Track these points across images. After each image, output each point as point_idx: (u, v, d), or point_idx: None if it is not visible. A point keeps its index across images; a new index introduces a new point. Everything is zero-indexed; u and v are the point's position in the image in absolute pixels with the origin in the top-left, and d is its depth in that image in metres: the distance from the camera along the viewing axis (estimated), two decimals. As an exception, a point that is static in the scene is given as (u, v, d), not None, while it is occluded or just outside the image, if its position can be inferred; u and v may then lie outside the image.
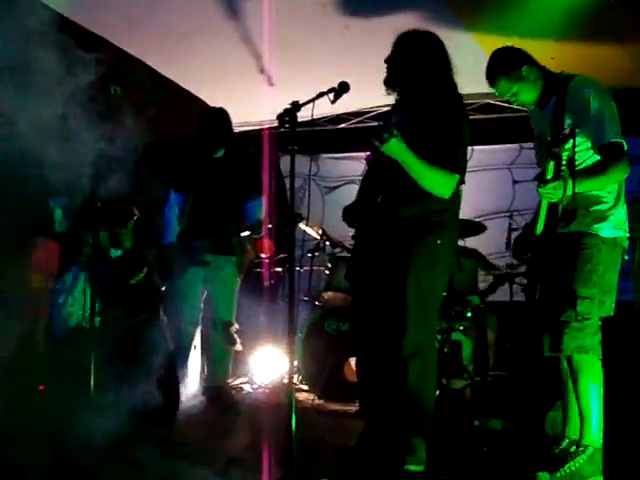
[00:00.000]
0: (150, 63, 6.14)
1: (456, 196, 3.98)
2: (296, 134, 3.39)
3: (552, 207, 3.65)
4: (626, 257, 3.81)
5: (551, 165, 3.52)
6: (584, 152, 3.71)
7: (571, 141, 3.46)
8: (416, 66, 3.98)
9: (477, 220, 6.42)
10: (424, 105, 3.96)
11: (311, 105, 3.56)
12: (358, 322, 4.18)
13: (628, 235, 3.79)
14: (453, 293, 5.50)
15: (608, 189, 3.70)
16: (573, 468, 3.60)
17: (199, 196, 5.62)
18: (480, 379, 5.67)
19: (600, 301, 3.67)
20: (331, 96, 3.62)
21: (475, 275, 6.40)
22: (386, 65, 4.07)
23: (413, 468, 3.80)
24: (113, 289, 5.19)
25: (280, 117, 3.33)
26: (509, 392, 5.38)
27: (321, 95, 3.58)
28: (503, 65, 3.88)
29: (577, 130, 3.54)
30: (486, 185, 7.96)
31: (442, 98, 3.97)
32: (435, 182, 3.82)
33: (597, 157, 3.69)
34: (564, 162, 3.50)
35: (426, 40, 4.06)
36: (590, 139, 3.68)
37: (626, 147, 3.64)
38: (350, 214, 4.30)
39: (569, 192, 3.49)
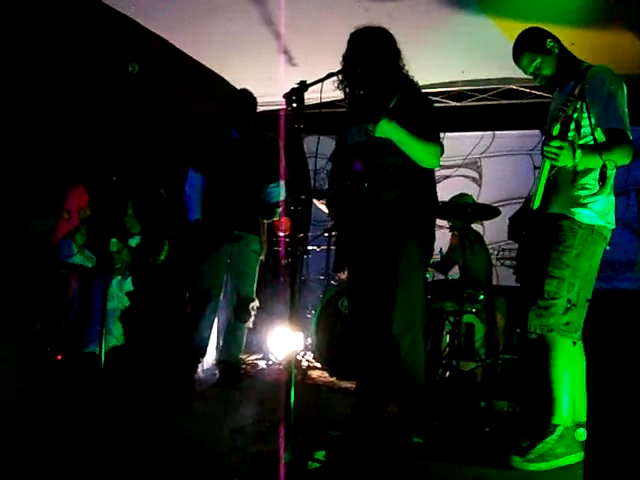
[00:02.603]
0: (172, 41, 6.19)
1: (432, 175, 4.28)
2: (304, 113, 3.44)
3: (550, 182, 3.65)
4: (607, 247, 3.81)
5: (558, 125, 3.53)
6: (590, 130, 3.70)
7: (580, 102, 3.51)
8: (378, 60, 4.14)
9: (496, 205, 6.45)
10: (392, 92, 4.15)
11: (333, 86, 3.68)
12: (354, 306, 4.36)
13: (612, 227, 3.79)
14: (466, 276, 5.55)
15: (592, 176, 3.70)
16: (545, 449, 3.66)
17: (223, 176, 5.71)
18: (491, 362, 5.72)
19: (570, 284, 3.71)
20: (340, 77, 3.71)
21: (489, 260, 6.44)
22: (344, 61, 4.17)
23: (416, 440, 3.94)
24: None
25: (287, 96, 3.40)
26: (518, 375, 5.42)
27: (330, 76, 3.67)
28: (528, 39, 3.94)
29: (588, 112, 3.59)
30: (507, 170, 7.99)
31: (406, 84, 4.23)
32: (427, 153, 4.08)
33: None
34: (572, 126, 3.54)
35: (380, 35, 4.23)
36: (599, 120, 3.68)
37: (631, 137, 3.64)
38: (336, 205, 4.45)
39: (577, 160, 3.50)
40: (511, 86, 7.49)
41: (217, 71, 6.99)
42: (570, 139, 3.56)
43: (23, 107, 5.46)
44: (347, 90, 4.24)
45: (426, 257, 4.26)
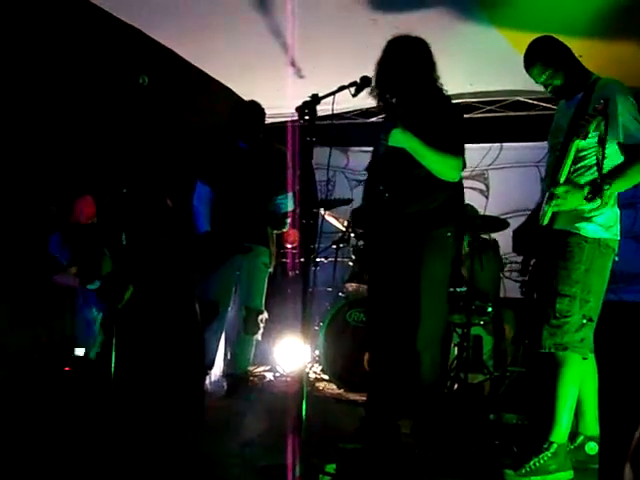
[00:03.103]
0: (180, 52, 6.19)
1: (460, 188, 4.23)
2: (316, 126, 3.45)
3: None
4: (616, 258, 3.81)
5: (574, 147, 3.56)
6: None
7: (601, 118, 3.51)
8: (409, 70, 4.14)
9: (503, 217, 6.43)
10: (420, 102, 4.14)
11: (340, 98, 3.67)
12: (373, 318, 4.32)
13: (618, 238, 3.80)
14: (474, 288, 5.54)
15: None
16: (538, 465, 3.66)
17: (231, 188, 5.72)
18: (499, 374, 5.70)
19: (583, 300, 3.70)
20: (352, 90, 3.71)
21: (497, 272, 6.43)
22: (377, 68, 4.18)
23: None
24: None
25: (299, 109, 3.41)
26: (527, 388, 5.40)
27: (342, 89, 3.68)
28: (541, 48, 3.92)
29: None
30: (513, 183, 7.98)
31: (436, 95, 4.20)
32: (444, 165, 4.02)
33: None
34: (595, 140, 3.56)
35: (416, 45, 4.22)
36: (615, 135, 3.65)
37: None
38: (359, 217, 4.44)
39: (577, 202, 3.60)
40: (518, 98, 7.49)
41: (224, 83, 7.00)
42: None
43: (31, 117, 5.46)
44: (379, 98, 4.22)
45: (451, 272, 4.23)
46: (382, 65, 4.19)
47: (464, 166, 4.11)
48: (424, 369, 4.01)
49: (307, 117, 3.39)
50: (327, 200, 6.43)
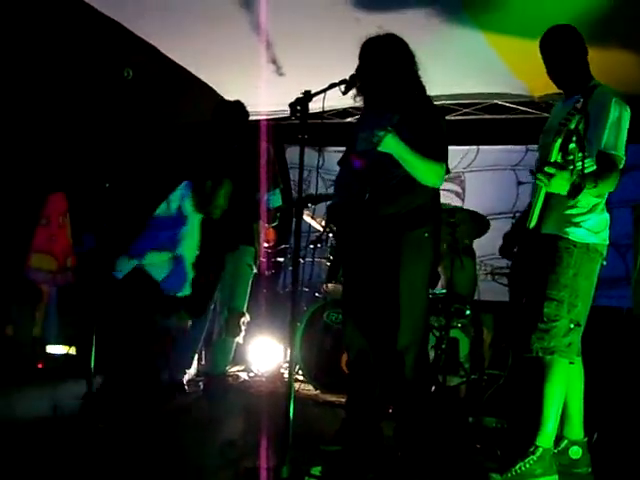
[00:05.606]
0: (162, 49, 6.12)
1: (437, 190, 4.16)
2: (307, 124, 3.43)
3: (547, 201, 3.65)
4: (604, 263, 3.82)
5: (557, 146, 3.52)
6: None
7: (580, 116, 3.50)
8: (390, 71, 4.06)
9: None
10: (404, 105, 4.07)
11: (319, 98, 3.62)
12: (349, 318, 4.26)
13: (606, 243, 3.81)
14: (453, 291, 5.53)
15: (583, 194, 3.62)
16: (523, 469, 3.65)
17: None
18: (476, 377, 5.70)
19: (570, 304, 3.70)
20: (342, 87, 3.69)
21: (474, 274, 6.43)
22: (357, 76, 4.03)
23: None
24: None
25: (292, 106, 3.38)
26: (504, 391, 5.40)
27: (333, 86, 3.66)
28: (565, 34, 3.93)
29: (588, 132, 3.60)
30: (490, 185, 8.00)
31: (419, 97, 4.16)
32: (428, 172, 3.96)
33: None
34: (574, 138, 3.55)
35: (393, 44, 4.14)
36: (598, 141, 3.66)
37: (621, 166, 3.68)
38: (335, 213, 4.39)
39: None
40: (496, 101, 7.50)
41: (204, 80, 6.93)
42: (570, 158, 3.56)
43: (9, 112, 5.38)
44: (359, 95, 4.14)
45: (432, 272, 4.18)
46: (361, 67, 4.08)
47: (447, 171, 4.07)
48: (407, 370, 3.95)
49: (299, 114, 3.36)
50: (312, 195, 6.31)
